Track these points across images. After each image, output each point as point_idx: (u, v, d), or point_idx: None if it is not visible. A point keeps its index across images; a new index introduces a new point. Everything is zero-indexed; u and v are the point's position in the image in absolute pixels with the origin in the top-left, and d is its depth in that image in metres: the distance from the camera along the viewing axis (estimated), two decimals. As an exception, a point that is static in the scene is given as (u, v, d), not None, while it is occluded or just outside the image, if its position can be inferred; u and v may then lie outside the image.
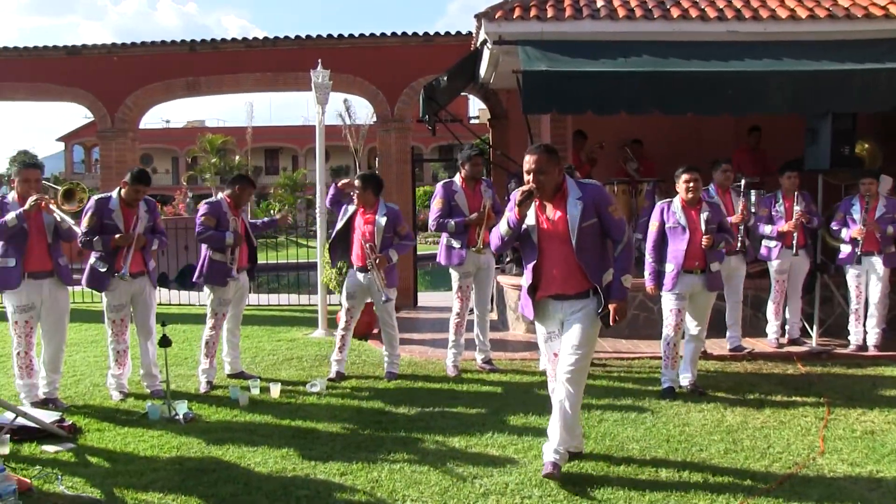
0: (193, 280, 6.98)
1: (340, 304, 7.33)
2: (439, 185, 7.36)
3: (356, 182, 7.03)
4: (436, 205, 7.17)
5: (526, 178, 4.42)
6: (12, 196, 6.10)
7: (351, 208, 7.07)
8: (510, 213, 4.46)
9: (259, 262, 7.35)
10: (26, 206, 5.85)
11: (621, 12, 8.66)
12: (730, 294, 7.81)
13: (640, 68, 7.76)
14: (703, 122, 9.91)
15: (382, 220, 6.89)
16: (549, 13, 8.65)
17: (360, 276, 7.00)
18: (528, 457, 4.83)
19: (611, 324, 4.41)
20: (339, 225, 7.11)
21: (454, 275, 7.26)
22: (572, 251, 4.37)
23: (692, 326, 6.57)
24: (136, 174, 6.34)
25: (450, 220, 7.13)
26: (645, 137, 10.97)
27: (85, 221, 6.21)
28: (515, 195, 4.41)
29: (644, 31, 8.54)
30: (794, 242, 7.82)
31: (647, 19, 8.58)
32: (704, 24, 8.53)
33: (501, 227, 4.54)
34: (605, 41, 8.43)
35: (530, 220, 4.47)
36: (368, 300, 7.31)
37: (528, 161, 4.40)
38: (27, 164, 6.24)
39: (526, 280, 4.56)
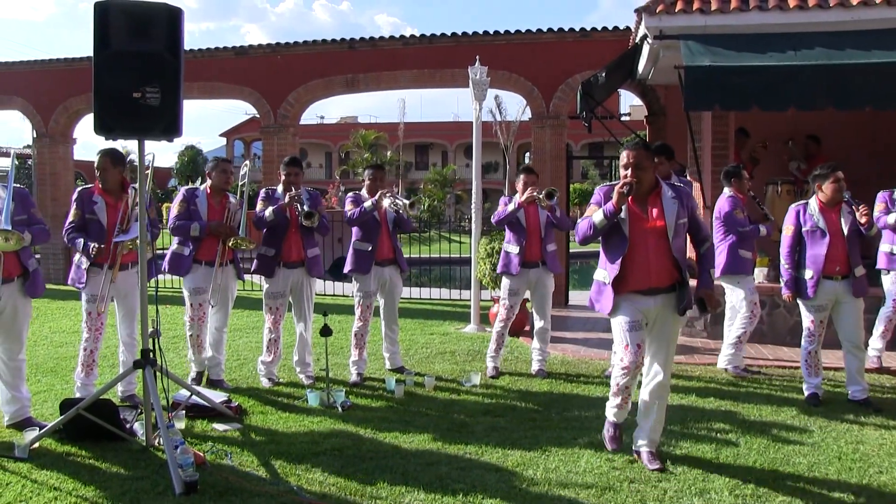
0: (344, 271, 7.16)
1: (496, 301, 7.32)
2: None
3: (530, 174, 7.13)
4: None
5: (623, 172, 4.57)
6: (204, 187, 6.62)
7: (512, 205, 7.05)
8: (604, 206, 4.59)
9: (407, 255, 7.38)
10: (211, 227, 6.40)
11: (792, 2, 8.13)
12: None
13: (812, 61, 7.28)
14: (879, 118, 9.23)
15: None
16: (713, 5, 8.30)
17: (530, 271, 7.04)
18: (685, 463, 4.68)
19: (708, 309, 4.80)
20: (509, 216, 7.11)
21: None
22: (668, 245, 4.56)
23: (848, 338, 6.09)
24: (286, 160, 6.84)
25: None
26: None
27: (262, 209, 6.67)
28: (602, 190, 4.72)
29: (817, 22, 8.02)
30: None
31: (821, 8, 8.04)
32: (890, 10, 7.87)
33: (595, 218, 4.62)
34: (773, 33, 8.00)
35: (622, 213, 4.59)
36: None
37: (628, 156, 4.57)
38: (223, 159, 6.91)
39: (610, 274, 4.64)
